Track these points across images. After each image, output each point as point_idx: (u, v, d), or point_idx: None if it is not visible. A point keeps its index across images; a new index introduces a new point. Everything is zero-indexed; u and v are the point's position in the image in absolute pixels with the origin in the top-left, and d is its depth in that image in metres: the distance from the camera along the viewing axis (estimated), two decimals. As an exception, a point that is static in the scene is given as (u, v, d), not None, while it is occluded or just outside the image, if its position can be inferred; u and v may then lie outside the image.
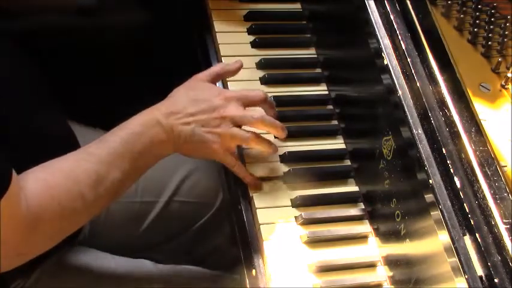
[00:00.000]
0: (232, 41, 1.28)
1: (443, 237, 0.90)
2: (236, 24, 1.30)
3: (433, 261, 0.92)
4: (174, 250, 1.37)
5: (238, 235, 1.08)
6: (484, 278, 0.87)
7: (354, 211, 1.10)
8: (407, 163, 0.98)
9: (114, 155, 1.01)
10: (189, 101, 1.08)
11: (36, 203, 0.92)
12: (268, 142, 1.11)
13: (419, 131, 0.98)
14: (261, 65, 1.25)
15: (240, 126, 1.09)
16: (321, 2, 1.28)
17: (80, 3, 1.35)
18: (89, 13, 1.35)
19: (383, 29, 1.07)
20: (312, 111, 1.22)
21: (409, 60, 1.04)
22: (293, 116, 1.19)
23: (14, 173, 0.89)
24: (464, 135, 0.96)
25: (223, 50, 1.25)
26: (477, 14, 1.11)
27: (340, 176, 1.15)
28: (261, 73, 1.24)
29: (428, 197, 0.93)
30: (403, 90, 1.02)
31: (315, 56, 1.29)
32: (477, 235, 0.89)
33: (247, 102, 1.10)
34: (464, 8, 1.11)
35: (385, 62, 1.04)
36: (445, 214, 0.91)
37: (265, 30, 1.30)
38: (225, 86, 1.21)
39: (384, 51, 1.05)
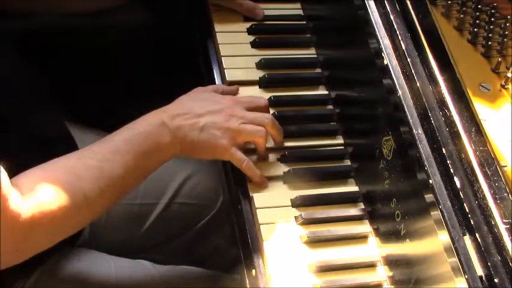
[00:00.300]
0: (232, 41, 1.28)
1: (443, 237, 0.90)
2: (236, 24, 1.30)
3: (433, 261, 0.92)
4: (174, 250, 1.37)
5: (238, 235, 1.08)
6: (484, 278, 0.87)
7: (354, 211, 1.10)
8: (407, 163, 0.98)
9: (118, 153, 1.01)
10: (196, 103, 1.09)
11: (34, 199, 0.92)
12: (281, 129, 1.13)
13: (419, 131, 0.98)
14: (261, 65, 1.25)
15: None
16: (321, 2, 1.28)
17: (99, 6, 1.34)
18: (90, 13, 1.35)
19: (383, 29, 1.07)
20: (312, 111, 1.22)
21: (409, 60, 1.04)
22: (293, 116, 1.19)
23: (2, 169, 0.89)
24: (464, 135, 0.96)
25: (223, 50, 1.25)
26: (477, 14, 1.11)
27: (340, 176, 1.15)
28: (261, 73, 1.24)
29: (428, 197, 0.93)
30: (403, 90, 1.02)
31: (315, 56, 1.29)
32: (477, 235, 0.89)
33: (252, 107, 1.12)
34: (464, 8, 1.11)
35: (385, 62, 1.04)
36: (445, 214, 0.91)
37: (265, 30, 1.31)
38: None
39: (384, 51, 1.05)
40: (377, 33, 1.07)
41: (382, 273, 1.04)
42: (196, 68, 1.23)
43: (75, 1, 1.29)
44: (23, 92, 1.13)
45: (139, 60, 1.49)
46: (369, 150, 1.08)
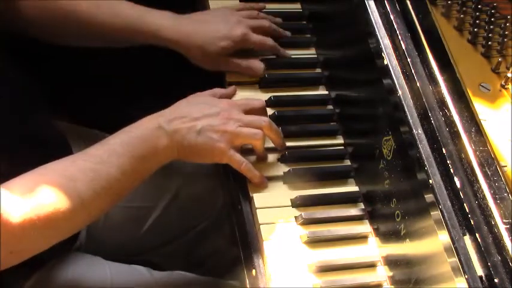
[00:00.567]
0: (232, 41, 1.27)
1: (443, 237, 0.90)
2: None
3: (433, 261, 0.92)
4: (174, 252, 1.37)
5: (238, 235, 1.08)
6: (484, 278, 0.87)
7: (354, 211, 1.10)
8: (407, 163, 0.98)
9: (114, 156, 1.01)
10: (193, 107, 1.09)
11: (28, 201, 0.92)
12: (279, 131, 1.12)
13: (419, 131, 0.98)
14: (261, 65, 1.25)
15: None
16: (321, 2, 1.29)
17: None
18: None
19: (383, 29, 1.07)
20: (312, 111, 1.22)
21: (409, 60, 1.04)
22: (293, 116, 1.19)
23: None
24: (464, 135, 0.96)
25: (223, 50, 1.25)
26: (477, 14, 1.11)
27: (340, 176, 1.15)
28: (260, 73, 1.24)
29: (428, 197, 0.93)
30: (403, 90, 1.01)
31: (315, 56, 1.29)
32: (477, 235, 0.89)
33: (249, 110, 1.11)
34: (464, 8, 1.11)
35: (385, 62, 1.04)
36: (445, 214, 0.91)
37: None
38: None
39: (384, 51, 1.05)
40: (377, 33, 1.07)
41: (382, 273, 1.04)
42: (196, 68, 1.23)
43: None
44: (13, 94, 1.12)
45: (138, 60, 1.48)
46: (369, 150, 1.08)
